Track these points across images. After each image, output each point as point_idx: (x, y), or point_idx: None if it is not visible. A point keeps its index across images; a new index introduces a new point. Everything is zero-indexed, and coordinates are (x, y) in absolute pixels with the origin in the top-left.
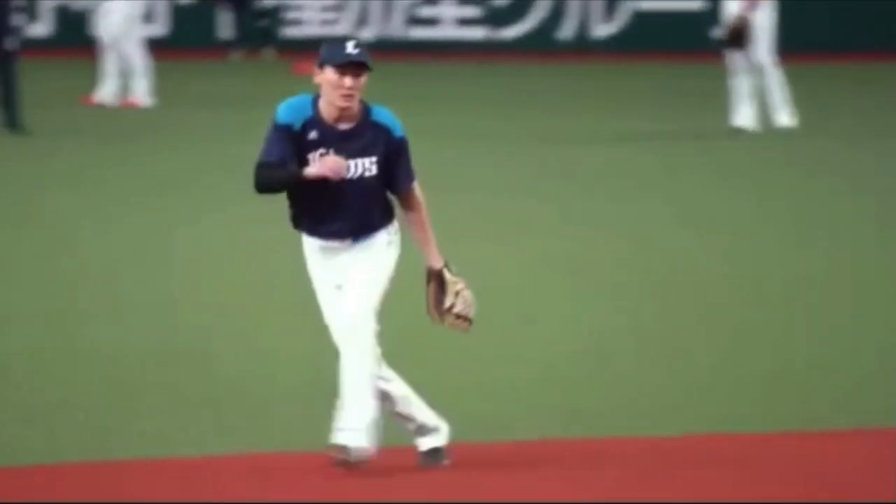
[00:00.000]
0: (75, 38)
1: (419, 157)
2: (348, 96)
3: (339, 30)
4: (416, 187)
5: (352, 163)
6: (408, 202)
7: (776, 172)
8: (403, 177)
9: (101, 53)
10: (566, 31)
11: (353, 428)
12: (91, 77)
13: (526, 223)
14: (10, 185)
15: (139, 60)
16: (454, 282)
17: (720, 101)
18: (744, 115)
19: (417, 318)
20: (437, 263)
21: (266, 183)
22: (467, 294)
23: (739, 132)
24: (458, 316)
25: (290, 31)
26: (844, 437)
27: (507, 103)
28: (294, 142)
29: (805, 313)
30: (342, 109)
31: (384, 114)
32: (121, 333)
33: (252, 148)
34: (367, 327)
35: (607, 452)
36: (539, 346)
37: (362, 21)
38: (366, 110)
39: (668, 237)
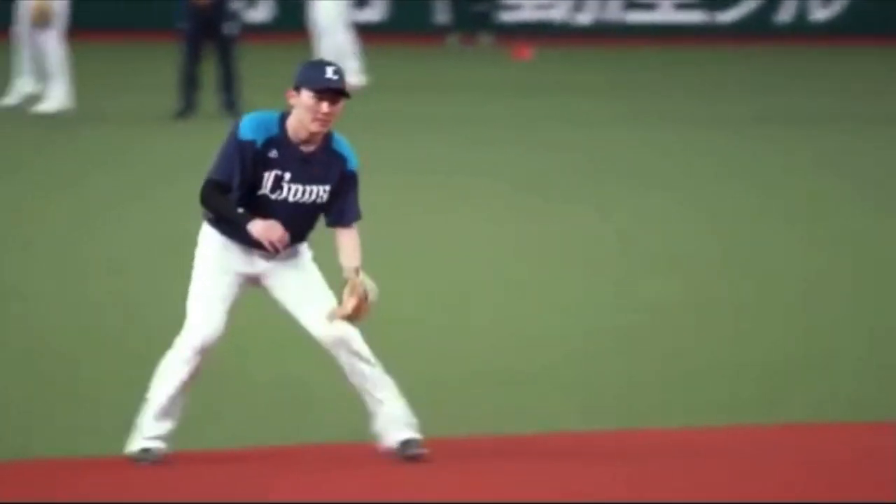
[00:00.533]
0: (295, 22)
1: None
2: (324, 122)
3: (555, 14)
4: (355, 230)
5: (309, 188)
6: (347, 234)
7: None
8: (350, 212)
9: (314, 39)
10: (784, 14)
11: (409, 421)
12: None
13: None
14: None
15: (347, 44)
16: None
17: None
18: None
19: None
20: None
21: (210, 206)
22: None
23: None
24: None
25: (508, 16)
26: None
27: (720, 88)
28: (251, 158)
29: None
30: (313, 134)
31: (343, 144)
32: None
33: (442, 145)
34: (351, 333)
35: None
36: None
37: (579, 6)
38: (328, 136)
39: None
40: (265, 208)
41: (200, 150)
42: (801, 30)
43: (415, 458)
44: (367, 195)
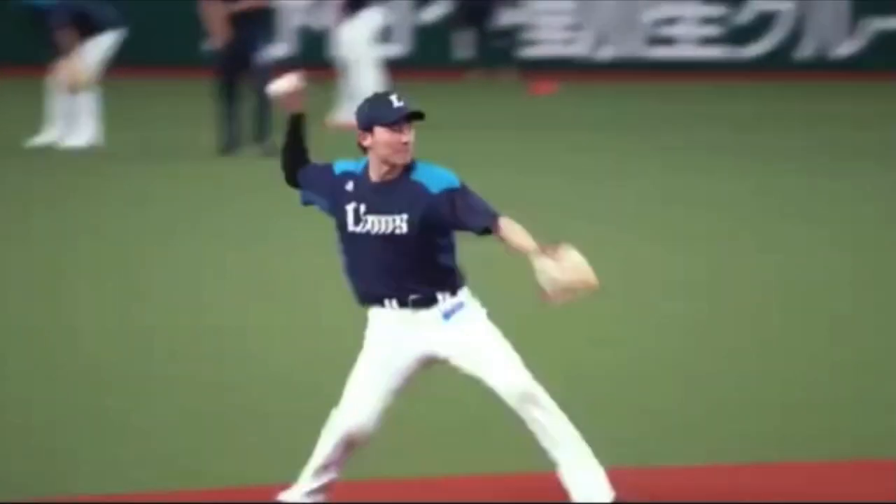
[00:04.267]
0: (316, 57)
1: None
2: (407, 151)
3: (577, 49)
4: (506, 223)
5: (385, 218)
6: (500, 237)
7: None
8: (472, 219)
9: (339, 75)
10: (805, 50)
11: (602, 485)
12: (331, 98)
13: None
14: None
15: (372, 83)
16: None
17: None
18: None
19: None
20: (535, 247)
21: (282, 160)
22: (573, 255)
23: None
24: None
25: (529, 52)
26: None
27: (736, 122)
28: (329, 183)
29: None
30: (397, 167)
31: (424, 170)
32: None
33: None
34: (538, 387)
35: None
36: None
37: (601, 41)
38: (408, 167)
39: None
40: (355, 245)
41: (238, 183)
42: (823, 66)
43: None
44: None
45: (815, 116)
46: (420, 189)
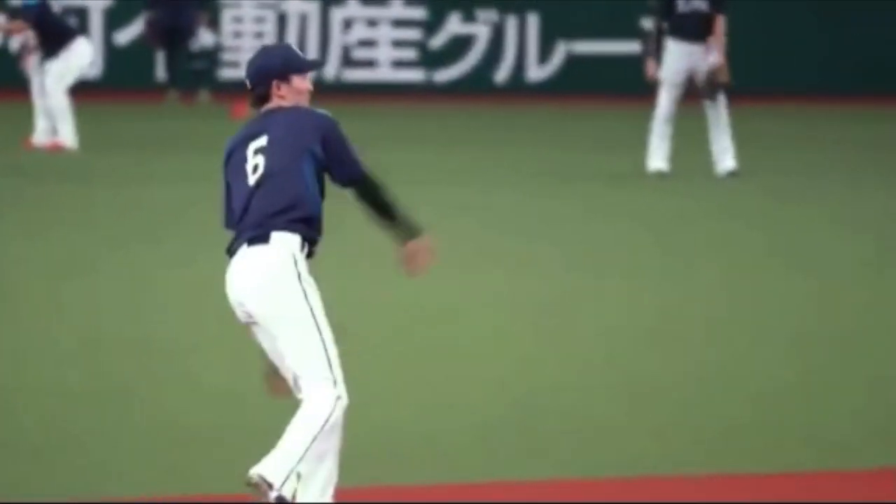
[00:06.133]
0: (8, 78)
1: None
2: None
3: None
4: None
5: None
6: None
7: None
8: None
9: (33, 95)
10: (502, 73)
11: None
12: (30, 120)
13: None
14: None
15: (62, 102)
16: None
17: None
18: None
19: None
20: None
21: (390, 193)
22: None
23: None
24: None
25: (227, 73)
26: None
27: (435, 143)
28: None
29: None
30: None
31: None
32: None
33: (172, 191)
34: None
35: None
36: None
37: None
38: None
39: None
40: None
41: None
42: (519, 89)
43: None
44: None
45: (510, 139)
46: None
